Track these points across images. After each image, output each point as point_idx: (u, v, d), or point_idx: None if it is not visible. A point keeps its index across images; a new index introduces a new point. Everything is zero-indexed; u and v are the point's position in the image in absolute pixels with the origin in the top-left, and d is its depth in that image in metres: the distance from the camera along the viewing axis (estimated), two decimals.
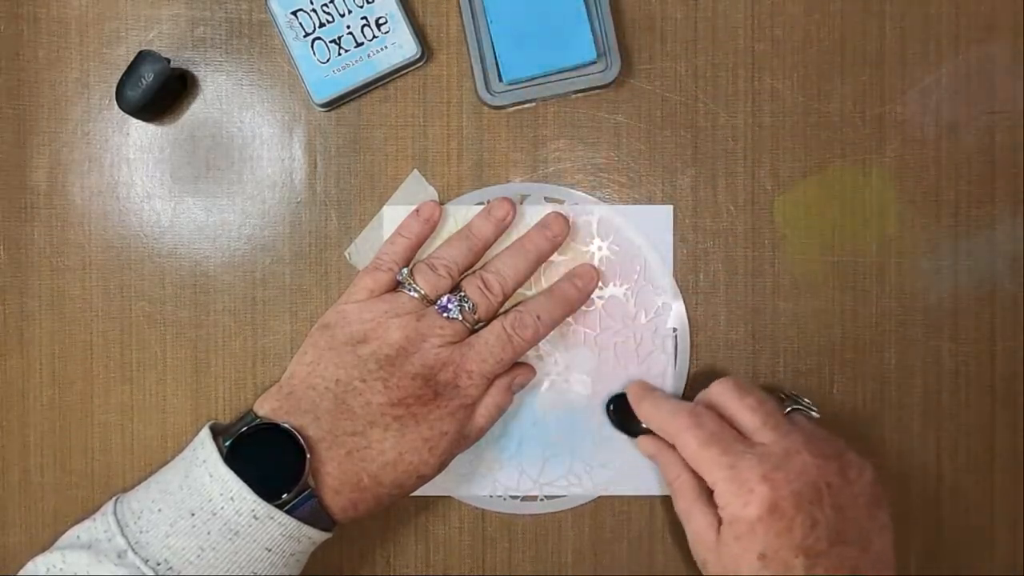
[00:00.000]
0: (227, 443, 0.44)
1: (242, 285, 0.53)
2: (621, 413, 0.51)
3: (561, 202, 0.53)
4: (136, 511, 0.44)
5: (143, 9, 0.52)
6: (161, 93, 0.50)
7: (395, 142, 0.53)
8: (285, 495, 0.43)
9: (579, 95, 0.53)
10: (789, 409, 0.48)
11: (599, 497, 0.53)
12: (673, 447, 0.47)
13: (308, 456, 0.44)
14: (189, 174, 0.53)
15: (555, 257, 0.52)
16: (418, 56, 0.51)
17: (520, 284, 0.50)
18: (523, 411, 0.53)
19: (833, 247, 0.53)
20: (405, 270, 0.49)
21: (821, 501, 0.43)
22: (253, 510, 0.43)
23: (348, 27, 0.50)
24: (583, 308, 0.52)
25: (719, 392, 0.48)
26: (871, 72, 0.53)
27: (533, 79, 0.51)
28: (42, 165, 0.52)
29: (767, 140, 0.53)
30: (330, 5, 0.50)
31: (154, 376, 0.53)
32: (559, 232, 0.51)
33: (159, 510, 0.43)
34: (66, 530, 0.45)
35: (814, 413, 0.49)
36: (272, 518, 0.43)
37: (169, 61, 0.50)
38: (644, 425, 0.50)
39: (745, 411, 0.46)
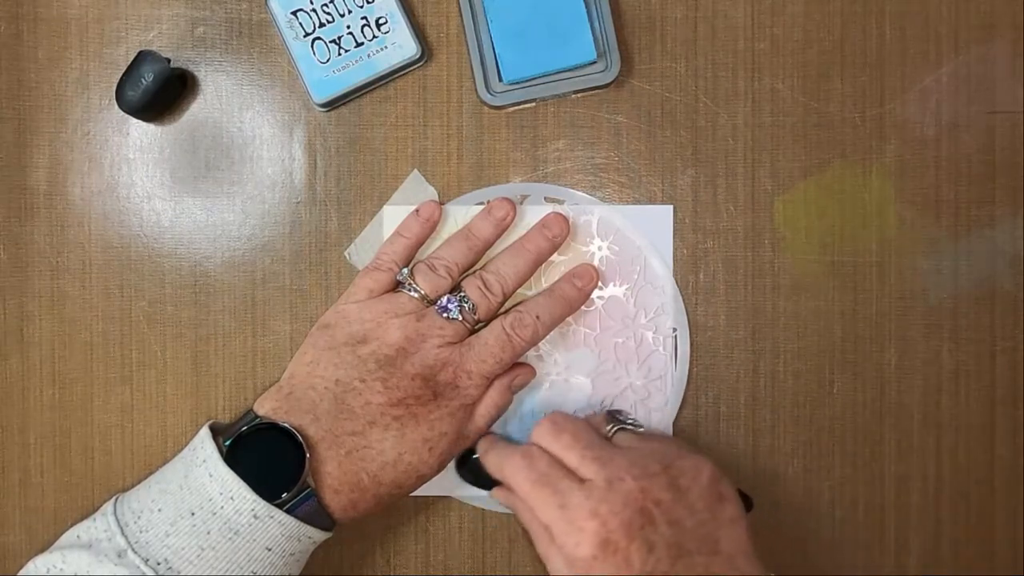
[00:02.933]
0: (227, 443, 0.45)
1: (242, 285, 0.53)
2: (474, 469, 0.50)
3: (561, 202, 0.53)
4: (136, 511, 0.44)
5: (143, 9, 0.52)
6: (161, 93, 0.50)
7: (395, 142, 0.53)
8: (285, 495, 0.43)
9: (579, 95, 0.53)
10: (614, 430, 0.48)
11: None
12: None
13: (308, 456, 0.44)
14: (189, 174, 0.53)
15: (555, 257, 0.52)
16: (418, 56, 0.51)
17: (520, 284, 0.50)
18: (523, 411, 0.53)
19: (833, 247, 0.53)
20: (405, 270, 0.49)
21: (654, 522, 0.42)
22: (253, 509, 0.43)
23: (348, 27, 0.51)
24: (583, 308, 0.52)
25: (537, 436, 0.46)
26: (871, 72, 0.53)
27: (533, 79, 0.51)
28: (42, 165, 0.52)
29: (767, 140, 0.53)
30: (330, 5, 0.50)
31: (154, 376, 0.53)
32: (559, 232, 0.51)
33: (159, 510, 0.43)
34: (66, 530, 0.45)
35: (639, 428, 0.48)
36: (272, 518, 0.43)
37: (169, 61, 0.50)
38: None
39: (562, 450, 0.45)
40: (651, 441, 0.47)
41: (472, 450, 0.50)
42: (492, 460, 0.48)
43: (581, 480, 0.43)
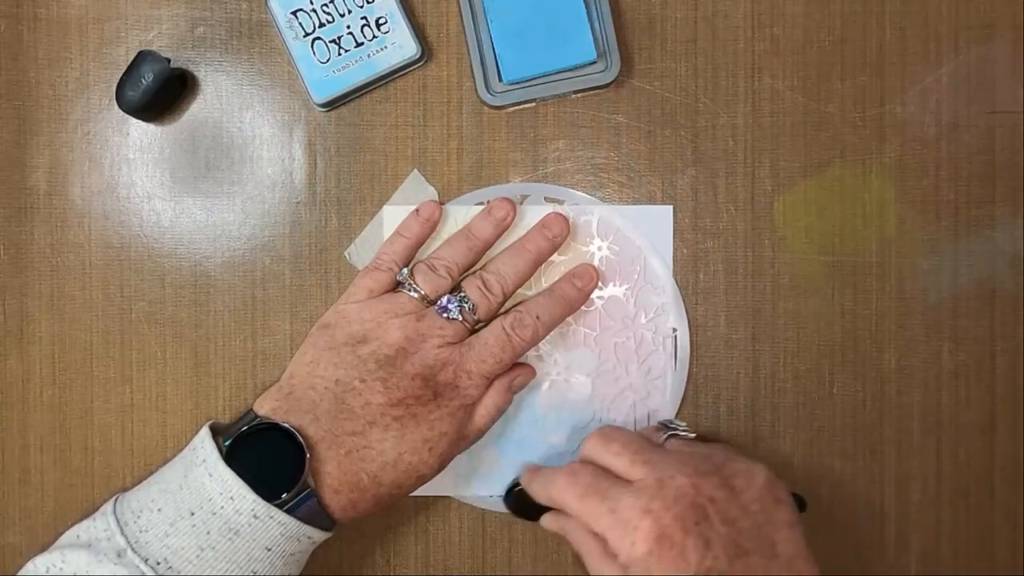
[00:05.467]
0: (227, 443, 0.45)
1: (242, 285, 0.53)
2: (519, 500, 0.50)
3: (561, 202, 0.53)
4: (136, 510, 0.44)
5: (143, 9, 0.52)
6: (161, 93, 0.50)
7: (395, 142, 0.53)
8: (285, 495, 0.43)
9: (579, 95, 0.53)
10: (665, 437, 0.48)
11: None
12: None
13: (308, 456, 0.44)
14: (189, 174, 0.53)
15: (555, 257, 0.52)
16: (418, 56, 0.51)
17: (520, 284, 0.50)
18: (523, 411, 0.53)
19: (833, 247, 0.53)
20: (405, 270, 0.49)
21: (708, 519, 0.42)
22: (253, 509, 0.43)
23: (348, 27, 0.51)
24: (583, 308, 0.52)
25: (588, 448, 0.46)
26: (871, 72, 0.53)
27: (533, 79, 0.51)
28: (42, 165, 0.52)
29: (767, 140, 0.53)
30: (330, 5, 0.50)
31: (154, 376, 0.53)
32: (559, 232, 0.51)
33: (159, 509, 0.43)
34: (66, 530, 0.45)
35: (690, 435, 0.48)
36: (272, 517, 0.43)
37: (169, 61, 0.50)
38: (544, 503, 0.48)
39: (612, 457, 0.45)
40: (703, 446, 0.47)
41: (517, 482, 0.50)
42: (537, 487, 0.47)
43: (628, 484, 0.43)
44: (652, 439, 0.48)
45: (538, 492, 0.47)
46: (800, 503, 0.49)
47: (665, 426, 0.50)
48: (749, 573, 0.41)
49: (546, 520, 0.49)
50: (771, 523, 0.43)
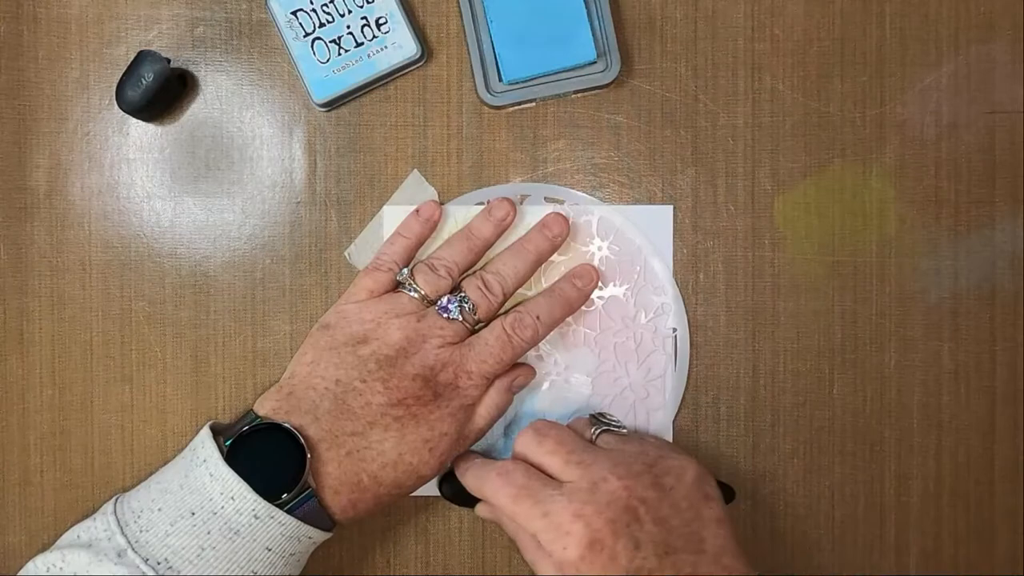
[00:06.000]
0: (227, 443, 0.45)
1: (242, 285, 0.53)
2: (455, 488, 0.50)
3: (561, 202, 0.53)
4: (136, 510, 0.44)
5: (143, 9, 0.52)
6: (161, 93, 0.50)
7: (395, 142, 0.53)
8: (285, 495, 0.43)
9: (579, 95, 0.53)
10: (598, 432, 0.48)
11: None
12: None
13: (308, 456, 0.44)
14: (189, 174, 0.53)
15: (555, 257, 0.52)
16: (418, 56, 0.51)
17: (520, 284, 0.50)
18: (523, 411, 0.53)
19: (833, 247, 0.53)
20: (405, 270, 0.49)
21: (639, 520, 0.42)
22: (253, 510, 0.43)
23: (348, 27, 0.51)
24: (583, 308, 0.52)
25: (521, 444, 0.46)
26: (871, 72, 0.53)
27: (533, 79, 0.51)
28: (42, 165, 0.52)
29: (767, 140, 0.53)
30: (330, 5, 0.50)
31: (154, 376, 0.53)
32: (559, 232, 0.51)
33: (159, 509, 0.43)
34: (66, 530, 0.45)
35: (623, 430, 0.48)
36: (272, 518, 0.43)
37: (169, 61, 0.50)
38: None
39: (545, 456, 0.45)
40: (635, 442, 0.47)
41: (452, 470, 0.50)
42: (471, 480, 0.48)
43: (560, 486, 0.44)
44: (584, 434, 0.48)
45: (471, 486, 0.48)
46: (728, 493, 0.49)
47: (597, 420, 0.49)
48: (677, 571, 0.41)
49: (480, 509, 0.49)
50: (699, 519, 0.43)
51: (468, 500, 0.49)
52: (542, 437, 0.46)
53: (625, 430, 0.49)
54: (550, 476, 0.45)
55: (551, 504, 0.43)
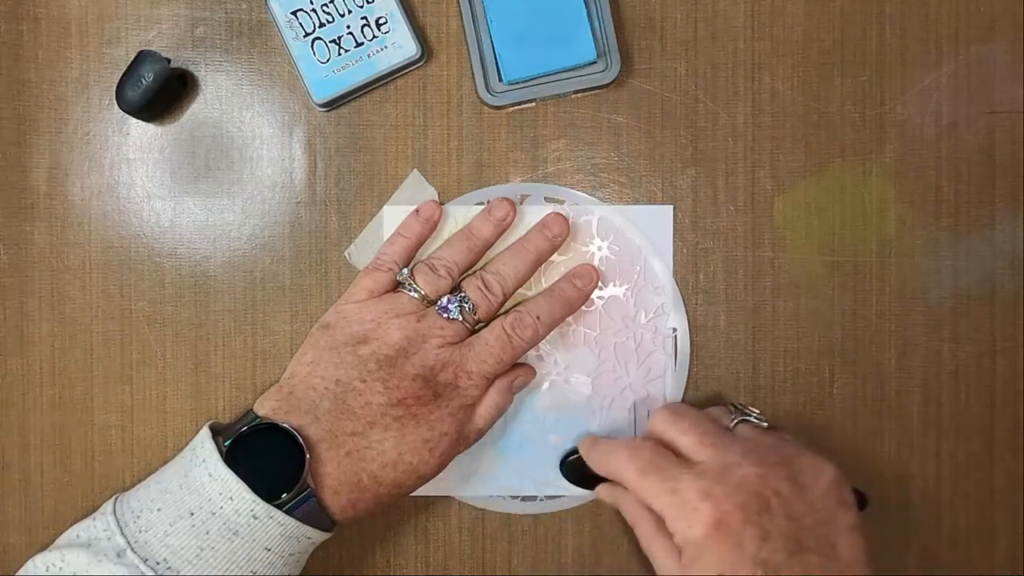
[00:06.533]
0: (227, 443, 0.45)
1: (242, 285, 0.53)
2: (576, 470, 0.50)
3: (561, 202, 0.53)
4: (135, 510, 0.44)
5: (143, 9, 0.52)
6: (161, 93, 0.50)
7: (395, 142, 0.53)
8: (284, 495, 0.43)
9: (579, 95, 0.53)
10: (736, 421, 0.47)
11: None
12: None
13: (308, 456, 0.44)
14: (189, 174, 0.53)
15: (555, 257, 0.52)
16: (418, 56, 0.51)
17: (520, 284, 0.50)
18: (523, 411, 0.53)
19: (833, 247, 0.53)
20: (405, 270, 0.49)
21: (770, 510, 0.41)
22: (252, 510, 0.43)
23: (348, 27, 0.51)
24: (583, 308, 0.52)
25: (657, 422, 0.46)
26: (871, 72, 0.53)
27: (533, 79, 0.51)
28: (42, 165, 0.52)
29: (767, 140, 0.53)
30: (330, 5, 0.50)
31: (154, 376, 0.53)
32: (559, 232, 0.51)
33: (158, 509, 0.43)
34: (66, 530, 0.45)
35: (763, 423, 0.47)
36: (271, 518, 0.43)
37: (169, 61, 0.50)
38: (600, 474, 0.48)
39: (680, 435, 0.45)
40: (774, 436, 0.46)
41: (573, 450, 0.50)
42: (596, 457, 0.47)
43: (691, 465, 0.43)
44: (722, 421, 0.47)
45: (596, 463, 0.47)
46: (861, 500, 0.48)
47: (737, 408, 0.48)
48: (807, 571, 0.40)
49: (601, 491, 0.49)
50: (833, 524, 0.42)
51: (588, 482, 0.49)
52: (678, 417, 0.45)
53: (765, 423, 0.48)
54: (681, 457, 0.44)
55: (680, 481, 0.42)
